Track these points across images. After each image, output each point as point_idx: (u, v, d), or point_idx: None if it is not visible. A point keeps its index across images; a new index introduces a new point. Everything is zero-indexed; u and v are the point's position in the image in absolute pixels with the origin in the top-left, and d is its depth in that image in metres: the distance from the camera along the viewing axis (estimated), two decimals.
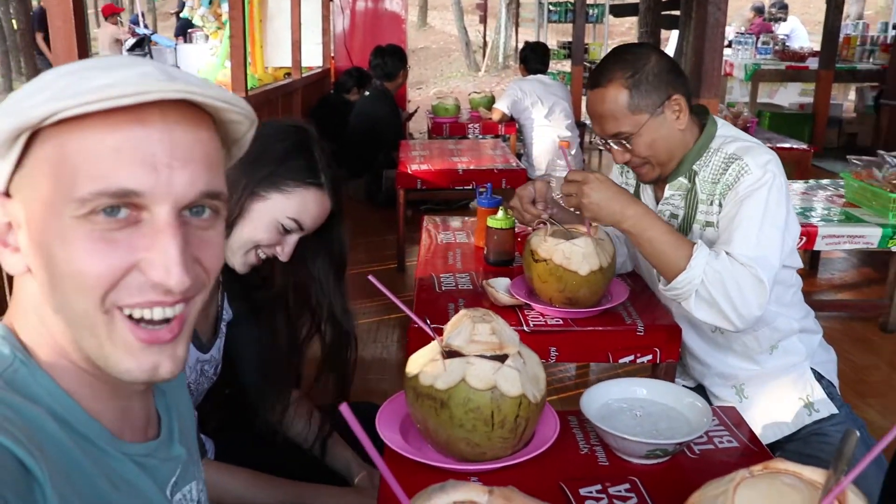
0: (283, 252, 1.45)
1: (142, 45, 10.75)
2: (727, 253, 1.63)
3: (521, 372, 1.13)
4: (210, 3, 7.31)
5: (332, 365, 1.60)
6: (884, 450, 0.78)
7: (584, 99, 8.38)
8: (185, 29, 12.95)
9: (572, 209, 1.78)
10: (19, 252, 0.72)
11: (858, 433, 0.82)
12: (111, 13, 10.99)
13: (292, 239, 1.45)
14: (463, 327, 1.16)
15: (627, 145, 1.77)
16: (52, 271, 0.69)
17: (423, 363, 1.16)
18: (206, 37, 8.16)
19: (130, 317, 0.70)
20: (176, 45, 11.15)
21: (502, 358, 1.13)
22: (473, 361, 1.12)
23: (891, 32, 8.38)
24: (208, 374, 1.56)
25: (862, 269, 4.62)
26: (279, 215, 1.41)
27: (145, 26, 12.56)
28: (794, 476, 0.83)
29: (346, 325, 1.60)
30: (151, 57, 10.61)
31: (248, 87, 4.55)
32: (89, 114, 0.66)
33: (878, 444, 0.75)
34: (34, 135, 0.68)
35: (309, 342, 1.63)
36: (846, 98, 9.49)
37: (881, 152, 3.31)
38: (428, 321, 1.29)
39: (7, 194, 0.71)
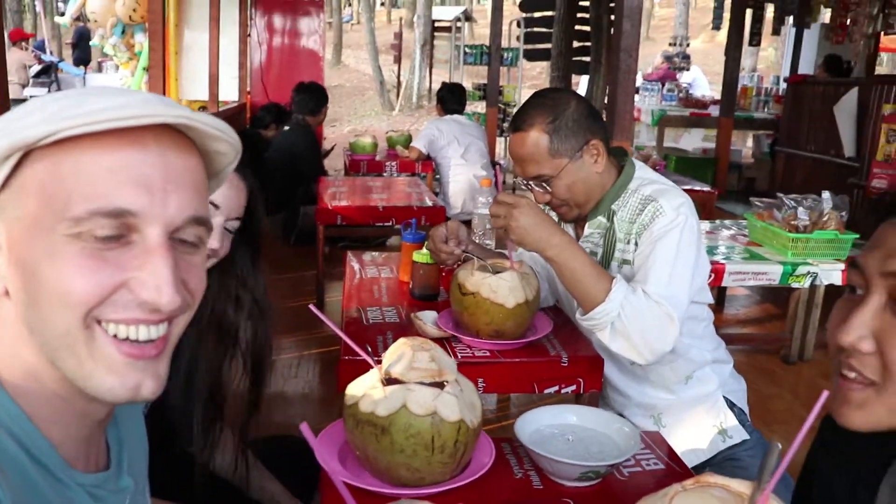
0: (214, 242, 1.38)
1: (48, 73, 10.49)
2: (643, 290, 1.71)
3: (458, 398, 1.17)
4: (123, 32, 7.16)
5: (252, 369, 1.54)
6: (789, 469, 0.84)
7: (498, 140, 8.59)
8: (83, 59, 12.62)
9: (496, 231, 1.82)
10: None
11: (780, 445, 0.89)
12: (19, 38, 10.69)
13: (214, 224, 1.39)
14: (403, 355, 1.19)
15: (548, 187, 1.84)
16: (34, 290, 0.68)
17: (363, 390, 1.18)
18: (117, 67, 7.97)
19: (115, 336, 0.70)
20: (84, 73, 10.86)
21: (441, 385, 1.16)
22: (414, 388, 1.15)
23: (782, 85, 8.91)
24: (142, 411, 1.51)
25: (764, 304, 4.86)
26: None
27: (51, 53, 12.23)
28: (722, 488, 0.89)
29: (266, 317, 1.54)
30: (58, 85, 10.34)
31: None
32: (86, 136, 0.67)
33: (787, 454, 0.82)
34: (24, 157, 0.68)
35: (233, 356, 1.59)
36: (745, 144, 10.01)
37: (780, 195, 3.51)
38: (369, 349, 1.31)
39: None
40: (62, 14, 9.46)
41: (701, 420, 1.95)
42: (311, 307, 1.25)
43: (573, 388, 1.81)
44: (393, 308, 2.10)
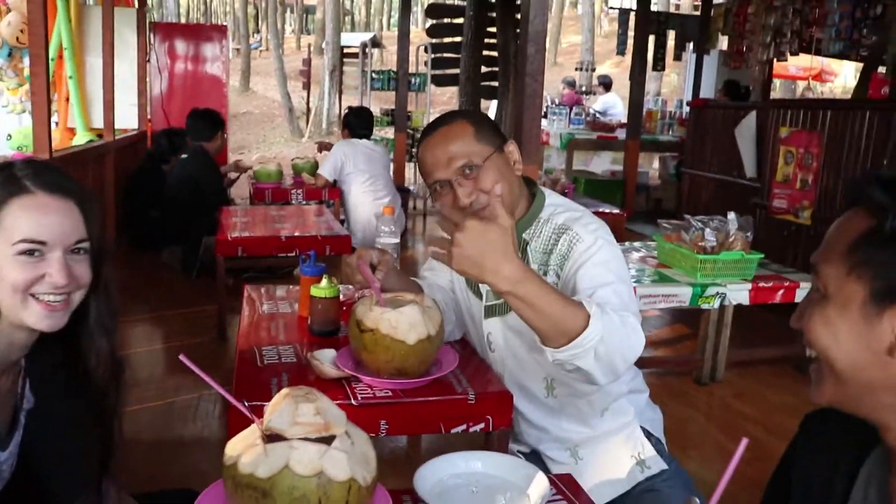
0: (58, 275, 1.24)
1: None
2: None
3: (349, 454, 1.04)
4: (10, 55, 6.77)
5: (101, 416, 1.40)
6: None
7: (407, 165, 8.52)
8: None
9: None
10: None
11: (698, 501, 0.81)
12: None
13: (53, 258, 1.25)
14: (285, 408, 1.06)
15: (471, 175, 1.70)
16: None
17: (242, 449, 1.05)
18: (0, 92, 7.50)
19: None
20: None
21: (329, 440, 1.04)
22: (297, 445, 1.02)
23: (685, 109, 9.16)
24: (4, 476, 1.32)
25: (675, 325, 4.89)
26: (5, 249, 1.23)
27: None
28: None
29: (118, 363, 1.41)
30: None
31: (53, 148, 4.23)
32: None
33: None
34: None
35: (121, 410, 1.44)
36: (651, 166, 10.23)
37: (687, 216, 3.53)
38: (246, 403, 1.17)
39: None
40: None
41: (618, 451, 1.87)
42: (182, 357, 1.11)
43: (482, 426, 1.71)
44: (290, 346, 1.96)
